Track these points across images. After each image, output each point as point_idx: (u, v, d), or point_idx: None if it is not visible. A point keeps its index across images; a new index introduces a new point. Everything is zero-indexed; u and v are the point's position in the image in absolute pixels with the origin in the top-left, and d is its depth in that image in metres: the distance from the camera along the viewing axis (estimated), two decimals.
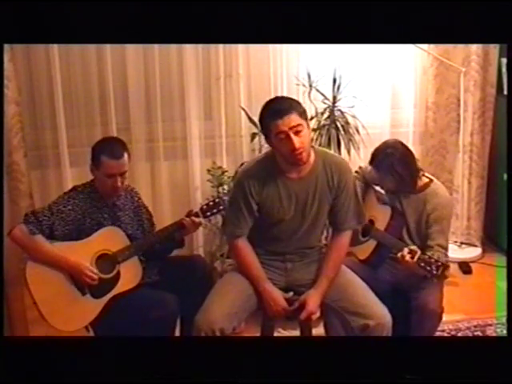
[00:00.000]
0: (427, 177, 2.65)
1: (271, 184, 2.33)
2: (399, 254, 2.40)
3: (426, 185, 2.62)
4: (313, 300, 2.35)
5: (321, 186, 2.34)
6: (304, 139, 2.20)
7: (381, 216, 2.68)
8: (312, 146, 2.36)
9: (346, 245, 2.46)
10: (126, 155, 2.48)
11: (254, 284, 2.37)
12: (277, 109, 2.20)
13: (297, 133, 2.18)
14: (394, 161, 2.50)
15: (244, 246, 2.40)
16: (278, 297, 2.36)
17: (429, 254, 2.42)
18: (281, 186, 2.33)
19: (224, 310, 2.26)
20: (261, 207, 2.35)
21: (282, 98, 2.36)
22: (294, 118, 2.17)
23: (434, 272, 2.34)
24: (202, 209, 2.65)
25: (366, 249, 2.68)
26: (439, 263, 2.34)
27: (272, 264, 2.45)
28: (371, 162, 2.59)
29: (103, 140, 2.63)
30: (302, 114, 2.22)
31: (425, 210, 2.57)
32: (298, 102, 2.28)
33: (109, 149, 2.47)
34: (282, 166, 2.32)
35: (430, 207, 2.56)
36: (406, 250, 2.39)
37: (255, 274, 2.38)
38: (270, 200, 2.34)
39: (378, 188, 2.83)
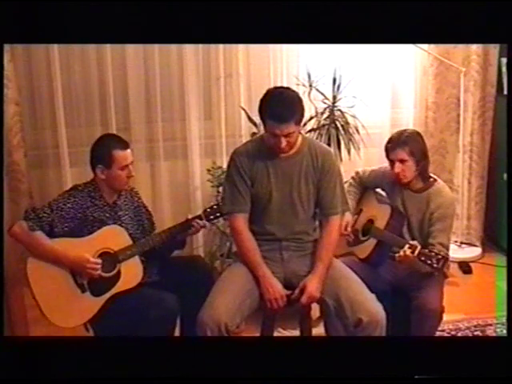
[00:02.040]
0: (431, 176, 2.67)
1: (260, 161, 2.45)
2: (400, 251, 2.41)
3: (430, 184, 2.63)
4: (311, 283, 2.38)
5: (306, 167, 2.45)
6: (291, 139, 2.36)
7: (381, 215, 2.69)
8: (299, 132, 2.48)
9: (336, 230, 2.51)
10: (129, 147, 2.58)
11: (254, 270, 2.41)
12: (278, 114, 2.29)
13: (287, 136, 2.33)
14: (419, 135, 2.64)
15: (244, 229, 2.46)
16: (276, 284, 2.39)
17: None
18: (269, 163, 2.44)
19: (227, 305, 2.28)
20: (252, 183, 2.45)
21: (287, 98, 2.33)
22: (290, 128, 2.31)
23: (435, 265, 2.35)
24: (205, 212, 2.66)
25: (366, 248, 2.68)
26: (439, 256, 2.36)
27: (270, 256, 2.48)
28: (395, 145, 2.58)
29: (105, 139, 2.62)
30: (299, 121, 2.36)
31: (428, 209, 2.58)
32: (299, 105, 2.34)
33: (117, 142, 2.53)
34: (270, 145, 2.42)
35: (433, 206, 2.58)
36: (406, 246, 2.42)
37: (255, 260, 2.42)
38: (260, 176, 2.45)
39: (377, 189, 2.84)
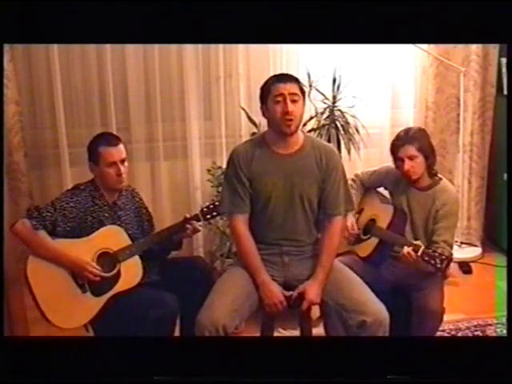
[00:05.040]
0: (437, 174, 2.68)
1: (260, 159, 2.41)
2: (403, 251, 2.40)
3: (436, 181, 2.64)
4: (312, 289, 2.36)
5: (309, 166, 2.41)
6: (297, 109, 2.34)
7: (383, 214, 2.68)
8: (301, 131, 2.48)
9: (338, 232, 2.47)
10: (121, 144, 2.55)
11: (253, 275, 2.39)
12: (283, 75, 2.46)
13: (293, 101, 2.32)
14: (425, 132, 2.71)
15: (244, 230, 2.43)
16: (275, 289, 2.38)
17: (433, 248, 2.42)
18: (268, 161, 2.40)
19: (226, 307, 2.27)
20: (251, 182, 2.42)
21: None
22: (295, 87, 2.35)
23: (439, 265, 2.33)
24: (202, 211, 2.65)
25: (368, 246, 2.68)
26: (443, 256, 2.34)
27: (270, 259, 2.46)
28: (403, 142, 2.58)
29: (96, 136, 2.63)
30: (302, 90, 2.40)
31: (434, 206, 2.58)
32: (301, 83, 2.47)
33: (104, 139, 2.55)
34: (271, 141, 2.42)
35: (439, 203, 2.57)
36: (409, 245, 2.40)
37: (255, 265, 2.40)
38: (259, 174, 2.41)
39: (380, 189, 2.84)
